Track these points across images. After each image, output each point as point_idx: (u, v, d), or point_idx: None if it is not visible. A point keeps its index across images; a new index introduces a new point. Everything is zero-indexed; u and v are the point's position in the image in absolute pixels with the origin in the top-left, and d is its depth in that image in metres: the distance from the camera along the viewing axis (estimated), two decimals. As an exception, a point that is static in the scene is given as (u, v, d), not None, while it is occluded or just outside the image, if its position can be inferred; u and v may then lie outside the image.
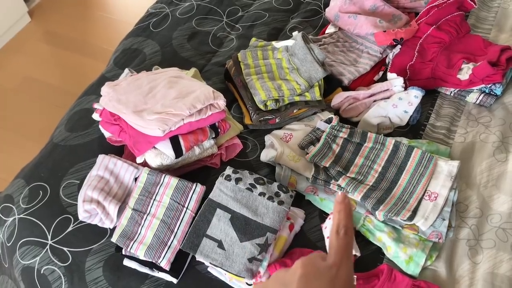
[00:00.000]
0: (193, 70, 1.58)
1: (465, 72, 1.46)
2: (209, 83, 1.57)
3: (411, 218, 1.19)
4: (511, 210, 1.25)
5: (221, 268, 1.13)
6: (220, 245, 1.13)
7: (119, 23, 3.05)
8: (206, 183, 1.29)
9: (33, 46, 2.90)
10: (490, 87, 1.44)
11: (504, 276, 1.14)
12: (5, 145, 2.40)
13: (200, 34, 1.78)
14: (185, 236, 1.17)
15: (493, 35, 1.68)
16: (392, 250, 1.18)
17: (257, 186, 1.20)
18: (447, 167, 1.27)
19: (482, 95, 1.46)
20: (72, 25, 3.03)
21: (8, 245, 1.34)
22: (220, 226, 1.15)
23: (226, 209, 1.17)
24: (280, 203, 1.18)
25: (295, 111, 1.43)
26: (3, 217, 1.38)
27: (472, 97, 1.47)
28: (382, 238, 1.21)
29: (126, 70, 1.54)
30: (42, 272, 1.27)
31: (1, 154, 2.37)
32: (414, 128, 1.45)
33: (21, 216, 1.34)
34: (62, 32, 2.99)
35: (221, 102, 1.31)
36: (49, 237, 1.30)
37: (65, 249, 1.27)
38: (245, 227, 1.15)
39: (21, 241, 1.31)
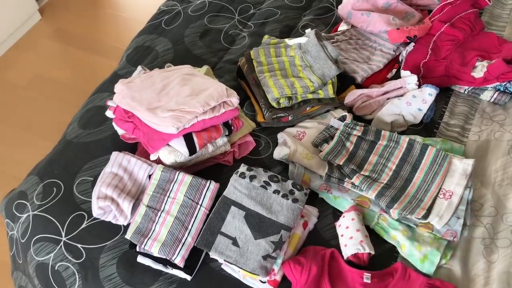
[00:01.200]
0: (205, 67, 1.58)
1: (480, 69, 1.45)
2: (222, 80, 1.57)
3: (426, 216, 1.19)
4: (527, 209, 1.24)
5: (235, 265, 1.13)
6: (235, 242, 1.13)
7: (130, 21, 3.05)
8: (219, 180, 1.29)
9: (43, 44, 2.91)
10: (505, 85, 1.43)
11: (520, 276, 1.14)
12: (15, 142, 2.41)
13: (212, 32, 1.78)
14: (200, 233, 1.17)
15: (508, 32, 1.67)
16: (407, 249, 1.18)
17: (272, 183, 1.20)
18: (461, 165, 1.26)
19: (497, 93, 1.45)
20: (82, 23, 3.04)
21: (23, 241, 1.35)
22: (234, 223, 1.15)
23: (240, 206, 1.17)
24: (295, 200, 1.17)
25: (308, 108, 1.42)
26: (17, 214, 1.39)
27: (487, 95, 1.46)
28: (397, 237, 1.20)
29: (139, 68, 1.55)
30: (56, 269, 1.28)
31: (12, 151, 2.38)
32: (428, 126, 1.44)
33: (35, 212, 1.35)
34: (73, 30, 2.99)
35: (235, 99, 1.31)
36: (63, 234, 1.30)
37: (79, 245, 1.28)
38: (259, 225, 1.15)
39: (36, 238, 1.32)
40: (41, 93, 2.64)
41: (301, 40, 1.50)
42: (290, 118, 1.43)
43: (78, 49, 2.88)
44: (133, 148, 1.42)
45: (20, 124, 2.49)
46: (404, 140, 1.32)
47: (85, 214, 1.32)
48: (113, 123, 1.41)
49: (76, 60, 2.82)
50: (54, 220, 1.32)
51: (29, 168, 1.53)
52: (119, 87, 1.37)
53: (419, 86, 1.45)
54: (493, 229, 1.22)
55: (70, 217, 1.32)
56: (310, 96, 1.41)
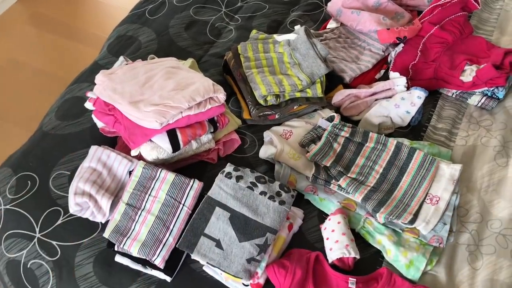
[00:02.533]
0: (190, 60, 1.53)
1: (468, 74, 1.44)
2: (207, 74, 1.52)
3: (412, 221, 1.17)
4: (512, 216, 1.24)
5: (218, 268, 1.09)
6: (218, 244, 1.10)
7: (112, 8, 2.96)
8: (202, 179, 1.25)
9: (19, 28, 2.81)
10: (492, 90, 1.42)
11: (504, 283, 1.13)
12: (-13, 129, 2.32)
13: (198, 24, 1.73)
14: (182, 234, 1.13)
15: (495, 37, 1.67)
16: (392, 254, 1.16)
17: (258, 185, 1.17)
18: (449, 171, 1.25)
19: (484, 98, 1.44)
20: (61, 8, 2.93)
21: (-7, 236, 1.29)
22: (218, 225, 1.12)
23: (225, 207, 1.14)
24: (281, 203, 1.14)
25: (295, 107, 1.39)
26: (-12, 207, 1.33)
27: (474, 100, 1.46)
28: (382, 241, 1.19)
29: (121, 58, 1.49)
30: (28, 266, 1.22)
31: (-17, 138, 2.28)
32: (415, 129, 1.42)
33: (8, 207, 1.29)
34: (51, 15, 2.89)
35: (221, 95, 1.27)
36: (37, 230, 1.24)
37: (54, 242, 1.23)
38: (244, 227, 1.11)
39: (7, 233, 1.26)
40: (16, 79, 2.55)
41: (290, 36, 1.47)
42: (277, 116, 1.39)
43: (56, 35, 2.78)
44: (113, 142, 1.37)
45: (-7, 111, 2.40)
46: (392, 143, 1.30)
47: (61, 210, 1.27)
48: (93, 116, 1.35)
49: (53, 47, 2.73)
50: (28, 216, 1.27)
51: (1, 158, 1.46)
52: (100, 78, 1.31)
53: (408, 88, 1.44)
54: (478, 236, 1.22)
55: (45, 213, 1.27)
56: (298, 94, 1.38)
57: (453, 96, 1.49)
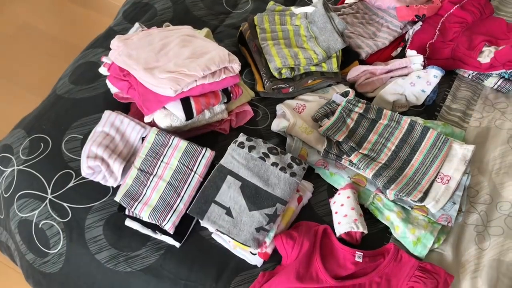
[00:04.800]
0: (205, 30, 1.51)
1: (486, 55, 1.42)
2: (222, 45, 1.49)
3: (422, 199, 1.17)
4: (522, 199, 1.23)
5: (227, 235, 1.10)
6: (228, 212, 1.11)
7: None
8: (214, 149, 1.25)
9: (33, -7, 2.79)
10: (510, 72, 1.41)
11: (510, 264, 1.14)
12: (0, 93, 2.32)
13: (214, -7, 1.71)
14: (192, 201, 1.14)
15: (516, 19, 1.64)
16: (400, 230, 1.17)
17: (270, 155, 1.17)
18: (461, 151, 1.24)
19: (501, 80, 1.43)
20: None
21: (6, 196, 1.30)
22: (229, 193, 1.12)
23: (237, 176, 1.14)
24: (292, 174, 1.15)
25: (310, 81, 1.39)
26: (1, 167, 1.34)
27: (491, 82, 1.44)
28: (391, 217, 1.19)
29: (137, 25, 1.48)
30: (40, 226, 1.24)
31: (-5, 102, 2.29)
32: (429, 109, 1.41)
33: (21, 167, 1.30)
34: (65, -19, 2.87)
35: (236, 65, 1.26)
36: (49, 191, 1.26)
37: (65, 204, 1.24)
38: (255, 196, 1.12)
39: (20, 193, 1.28)
40: (28, 43, 2.54)
41: (308, 9, 1.45)
42: (290, 89, 1.39)
43: (70, 2, 2.76)
44: (126, 108, 1.37)
45: (5, 75, 2.40)
46: (406, 121, 1.29)
47: (73, 172, 1.28)
48: (107, 81, 1.35)
49: (67, 13, 2.71)
50: (40, 177, 1.28)
51: (11, 121, 1.46)
52: (116, 43, 1.30)
53: (424, 67, 1.42)
54: (486, 217, 1.22)
55: (57, 175, 1.28)
56: (313, 68, 1.37)
57: (469, 77, 1.48)
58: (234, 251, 1.15)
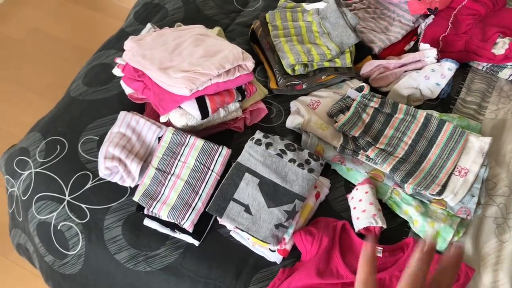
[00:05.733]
0: (217, 29, 1.52)
1: (500, 46, 1.41)
2: (233, 43, 1.50)
3: (440, 193, 1.17)
4: (541, 190, 1.23)
5: (247, 232, 1.10)
6: (247, 209, 1.11)
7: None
8: (229, 147, 1.25)
9: (41, -3, 2.81)
10: (525, 63, 1.40)
11: (531, 256, 1.13)
12: (10, 97, 2.34)
13: (225, -8, 1.71)
14: (210, 199, 1.14)
15: (529, 10, 1.63)
16: (419, 224, 1.16)
17: (288, 152, 1.17)
18: (478, 143, 1.24)
19: (516, 71, 1.42)
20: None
21: (24, 199, 1.31)
22: (248, 190, 1.12)
23: (255, 173, 1.14)
24: (310, 170, 1.14)
25: (323, 77, 1.38)
26: (18, 170, 1.35)
27: (505, 73, 1.43)
28: (409, 212, 1.19)
29: (149, 25, 1.48)
30: (58, 228, 1.25)
31: (5, 106, 2.30)
32: (444, 102, 1.41)
33: (38, 170, 1.31)
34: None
35: (250, 63, 1.26)
36: (67, 193, 1.26)
37: (83, 206, 1.25)
38: (273, 193, 1.12)
39: (37, 196, 1.28)
40: (38, 48, 2.56)
41: (320, 5, 1.45)
42: (304, 86, 1.39)
43: (77, 4, 2.78)
44: (141, 108, 1.37)
45: (16, 80, 2.41)
46: (421, 114, 1.29)
47: (90, 174, 1.29)
48: (121, 82, 1.36)
49: (76, 17, 2.73)
50: (58, 179, 1.28)
51: (24, 125, 1.47)
52: (129, 44, 1.31)
53: (438, 60, 1.41)
54: (506, 209, 1.21)
55: (75, 177, 1.28)
56: (326, 64, 1.37)
57: (484, 69, 1.47)
58: (253, 248, 1.15)
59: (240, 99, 1.30)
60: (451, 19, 1.50)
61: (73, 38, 2.61)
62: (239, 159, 1.17)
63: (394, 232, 1.19)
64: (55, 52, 2.53)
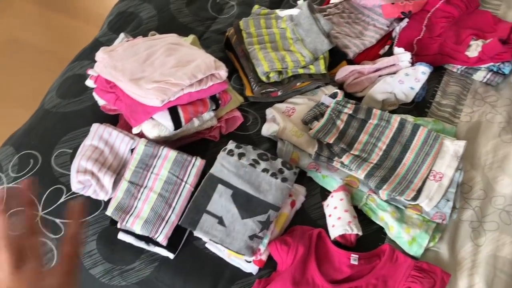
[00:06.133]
0: (191, 37, 1.51)
1: (474, 49, 1.42)
2: (209, 51, 1.50)
3: (415, 198, 1.17)
4: (515, 193, 1.23)
5: (221, 245, 1.09)
6: (221, 221, 1.10)
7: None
8: (205, 156, 1.24)
9: (19, 6, 2.78)
10: (498, 65, 1.40)
11: (506, 259, 1.14)
12: (-13, 108, 2.31)
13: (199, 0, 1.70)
14: (184, 211, 1.13)
15: (502, 12, 1.63)
16: (395, 230, 1.16)
17: (261, 162, 1.16)
18: (453, 147, 1.24)
19: (490, 73, 1.42)
20: (61, -15, 2.89)
21: (-3, 214, 1.29)
22: (221, 202, 1.11)
23: (227, 185, 1.13)
24: (284, 180, 1.14)
25: (298, 84, 1.38)
26: (-9, 186, 1.33)
27: (480, 75, 1.44)
28: (385, 218, 1.18)
29: (122, 35, 1.47)
30: (32, 244, 1.23)
31: (-16, 117, 2.27)
32: (419, 106, 1.41)
33: (11, 185, 1.29)
34: (51, -8, 2.85)
35: (223, 72, 1.25)
36: (40, 208, 1.25)
37: (57, 220, 1.23)
38: (247, 204, 1.11)
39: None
40: (16, 57, 2.53)
41: (293, 11, 1.44)
42: (279, 93, 1.38)
43: (56, 13, 2.75)
44: (114, 120, 1.36)
45: (-6, 90, 2.38)
46: (396, 119, 1.29)
47: (63, 187, 1.27)
48: (94, 93, 1.34)
49: (54, 25, 2.70)
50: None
51: (2, 137, 1.45)
52: (101, 55, 1.29)
53: (412, 64, 1.41)
54: (481, 212, 1.21)
55: (48, 191, 1.26)
56: (301, 71, 1.36)
57: (458, 72, 1.47)
58: (229, 259, 1.14)
59: (214, 108, 1.29)
60: (425, 22, 1.50)
61: (52, 47, 2.58)
62: (212, 171, 1.16)
63: (370, 239, 1.19)
64: (34, 61, 2.51)
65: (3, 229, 0.59)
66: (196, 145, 1.34)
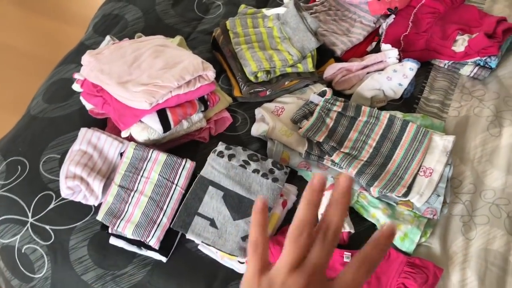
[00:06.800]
0: (178, 38, 1.50)
1: (460, 44, 1.42)
2: (196, 52, 1.49)
3: (406, 194, 1.17)
4: (505, 186, 1.24)
5: (213, 247, 1.09)
6: (213, 223, 1.09)
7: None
8: (195, 158, 1.24)
9: (4, 10, 2.74)
10: (485, 59, 1.41)
11: (497, 252, 1.14)
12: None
13: (185, 0, 1.69)
14: (175, 214, 1.13)
15: (488, 6, 1.64)
16: (387, 227, 1.16)
17: (251, 162, 1.16)
18: (442, 142, 1.24)
19: (477, 68, 1.43)
20: (44, -13, 2.86)
21: (-14, 222, 1.27)
22: (212, 204, 1.11)
23: (218, 186, 1.13)
24: (275, 180, 1.14)
25: (286, 83, 1.37)
26: (-21, 194, 1.31)
27: (467, 70, 1.44)
28: (376, 215, 1.19)
29: (108, 38, 1.45)
30: (23, 251, 1.22)
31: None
32: (408, 101, 1.41)
33: (-1, 193, 1.27)
34: (35, -5, 2.82)
35: (211, 73, 1.25)
36: (30, 215, 1.23)
37: (47, 227, 1.22)
38: (238, 205, 1.11)
39: (0, 219, 1.25)
40: (2, 62, 2.50)
41: (280, 10, 1.44)
42: (268, 92, 1.38)
43: (41, 16, 2.72)
44: (102, 123, 1.35)
45: (-20, 95, 2.36)
46: (385, 116, 1.29)
47: (53, 194, 1.26)
48: (81, 98, 1.33)
49: (39, 28, 2.67)
50: (20, 201, 1.25)
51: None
52: (87, 59, 1.28)
53: (400, 60, 1.42)
54: (471, 206, 1.22)
55: (37, 197, 1.25)
56: (289, 70, 1.36)
57: (445, 67, 1.48)
58: (222, 261, 1.14)
59: (203, 109, 1.29)
60: (412, 18, 1.50)
61: (37, 50, 2.56)
62: (202, 172, 1.15)
63: (363, 236, 1.18)
64: (20, 65, 2.48)
65: (303, 223, 0.52)
66: (186, 146, 1.33)
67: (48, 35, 2.63)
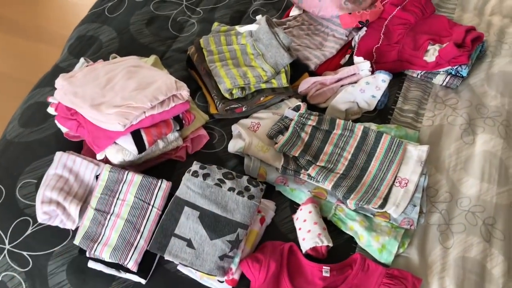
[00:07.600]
0: (153, 57, 1.50)
1: (432, 53, 1.45)
2: (171, 70, 1.50)
3: (383, 205, 1.18)
4: (480, 193, 1.25)
5: (191, 267, 1.09)
6: (190, 244, 1.09)
7: (76, 6, 2.89)
8: (172, 178, 1.24)
9: (-20, 32, 2.73)
10: (456, 68, 1.43)
11: (475, 260, 1.15)
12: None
13: (159, 19, 1.70)
14: (153, 236, 1.12)
15: (457, 15, 1.67)
16: (365, 239, 1.17)
17: (226, 181, 1.16)
18: (416, 152, 1.25)
19: (449, 76, 1.45)
20: (21, 8, 2.85)
21: (-38, 251, 1.26)
22: (188, 224, 1.11)
23: (194, 206, 1.13)
24: (251, 197, 1.14)
25: (261, 98, 1.38)
26: (-46, 222, 1.29)
27: (439, 79, 1.47)
28: (354, 227, 1.19)
29: (82, 60, 1.46)
30: (0, 279, 1.20)
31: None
32: (382, 113, 1.43)
33: (-25, 220, 1.26)
34: (13, 17, 2.81)
35: (185, 92, 1.25)
36: (7, 242, 1.22)
37: (24, 253, 1.21)
38: (215, 225, 1.11)
39: None
40: (-20, 85, 2.48)
41: (252, 27, 1.45)
42: (244, 109, 1.38)
43: (20, 37, 2.71)
44: (79, 146, 1.34)
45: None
46: (359, 128, 1.30)
47: (29, 219, 1.24)
48: (56, 121, 1.32)
49: (18, 49, 2.66)
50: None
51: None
52: (60, 82, 1.28)
53: (373, 72, 1.44)
54: (448, 215, 1.23)
55: (14, 223, 1.24)
56: (263, 85, 1.37)
57: (418, 77, 1.50)
58: (202, 281, 1.14)
59: (178, 128, 1.29)
60: (383, 30, 1.53)
61: (17, 72, 2.54)
62: (177, 193, 1.15)
63: (341, 249, 1.19)
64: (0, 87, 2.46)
65: None
66: (163, 166, 1.33)
67: (28, 56, 2.62)
